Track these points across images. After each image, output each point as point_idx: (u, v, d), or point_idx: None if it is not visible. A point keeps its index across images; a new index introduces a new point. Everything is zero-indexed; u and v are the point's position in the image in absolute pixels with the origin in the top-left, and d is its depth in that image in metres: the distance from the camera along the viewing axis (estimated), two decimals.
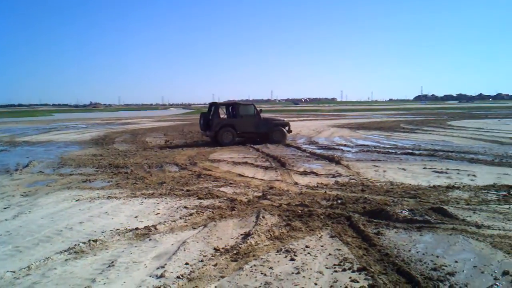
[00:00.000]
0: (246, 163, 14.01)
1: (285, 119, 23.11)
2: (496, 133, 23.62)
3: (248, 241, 6.10)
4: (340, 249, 5.83)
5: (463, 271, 5.04)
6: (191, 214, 7.72)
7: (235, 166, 13.44)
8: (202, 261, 5.50)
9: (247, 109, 21.65)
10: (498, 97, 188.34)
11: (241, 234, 6.54)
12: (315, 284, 4.75)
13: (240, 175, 11.80)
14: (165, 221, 7.32)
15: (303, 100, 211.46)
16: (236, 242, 6.19)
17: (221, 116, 21.90)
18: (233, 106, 22.13)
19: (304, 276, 4.96)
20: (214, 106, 21.87)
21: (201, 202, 8.68)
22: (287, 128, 21.76)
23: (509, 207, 7.84)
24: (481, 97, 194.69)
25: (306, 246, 5.96)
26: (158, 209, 8.30)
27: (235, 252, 5.74)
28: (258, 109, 21.90)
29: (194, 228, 6.94)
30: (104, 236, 6.63)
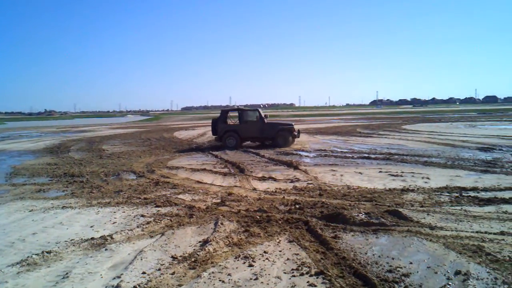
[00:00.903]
0: (204, 169, 13.95)
1: (292, 123, 23.08)
2: (448, 136, 24.29)
3: (206, 248, 6.06)
4: (298, 254, 5.86)
5: (417, 272, 5.15)
6: (148, 223, 7.63)
7: (193, 173, 13.36)
8: (159, 269, 5.43)
9: (251, 114, 22.19)
10: (450, 101, 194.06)
11: (200, 242, 6.50)
12: None
13: (198, 182, 11.74)
14: (121, 230, 7.20)
15: (261, 106, 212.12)
16: (194, 249, 6.15)
17: (232, 121, 22.81)
18: (238, 112, 22.64)
19: (262, 282, 4.97)
20: (222, 112, 22.71)
21: (159, 210, 8.59)
22: (295, 132, 21.86)
23: (461, 208, 8.08)
24: (434, 101, 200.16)
25: (265, 252, 5.98)
26: (115, 218, 8.17)
27: (193, 259, 5.70)
28: (264, 114, 22.53)
29: (152, 237, 6.86)
30: (59, 247, 6.47)
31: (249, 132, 21.89)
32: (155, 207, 8.90)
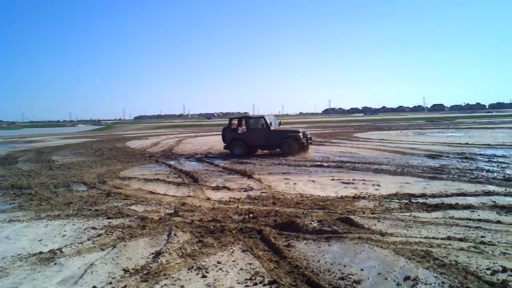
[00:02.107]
0: (158, 179, 13.80)
1: (302, 129, 22.55)
2: (398, 143, 24.90)
3: (159, 260, 5.99)
4: (251, 263, 5.87)
5: (368, 278, 5.24)
6: (99, 235, 7.47)
7: (146, 183, 13.19)
8: (110, 283, 5.32)
9: (256, 122, 21.88)
10: (400, 109, 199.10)
11: (152, 253, 6.42)
12: None
13: (151, 192, 11.60)
14: (71, 244, 7.03)
15: (216, 115, 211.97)
16: (146, 261, 6.06)
17: (241, 129, 22.56)
18: (245, 120, 22.49)
19: None
20: (229, 120, 23.07)
21: (110, 222, 8.43)
22: (302, 140, 21.08)
23: (410, 215, 8.29)
24: (384, 109, 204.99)
25: (218, 262, 5.95)
26: (65, 231, 7.95)
27: (145, 272, 5.62)
28: (277, 121, 22.83)
29: (103, 249, 6.71)
30: (5, 263, 6.26)
31: (255, 140, 21.64)
32: (106, 219, 8.73)
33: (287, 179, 13.21)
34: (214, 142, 32.28)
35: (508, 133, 32.67)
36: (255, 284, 5.16)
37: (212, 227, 7.62)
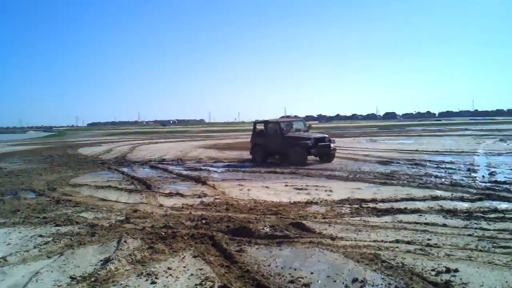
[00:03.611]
0: (109, 186, 13.56)
1: (322, 134, 20.54)
2: (351, 150, 25.33)
3: (108, 267, 5.88)
4: (202, 269, 5.84)
5: (318, 281, 5.30)
6: (46, 243, 7.27)
7: (97, 190, 12.94)
8: None
9: (273, 126, 20.74)
10: (353, 117, 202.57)
11: (101, 260, 6.29)
12: None
13: (102, 199, 11.39)
14: (16, 252, 6.81)
15: (171, 122, 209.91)
16: (94, 269, 5.94)
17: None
18: (264, 124, 21.39)
19: None
20: (253, 124, 22.33)
21: (58, 230, 8.22)
22: (313, 149, 18.95)
23: (361, 219, 8.44)
24: (338, 117, 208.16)
25: (169, 268, 5.89)
26: (10, 239, 7.70)
27: (93, 279, 5.50)
28: (307, 125, 21.81)
29: (49, 257, 6.53)
30: None
31: (272, 147, 20.36)
32: (54, 226, 8.50)
33: (241, 185, 13.23)
34: (169, 148, 32.05)
35: (456, 140, 33.74)
36: None
37: (163, 233, 7.55)
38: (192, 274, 5.65)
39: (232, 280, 5.34)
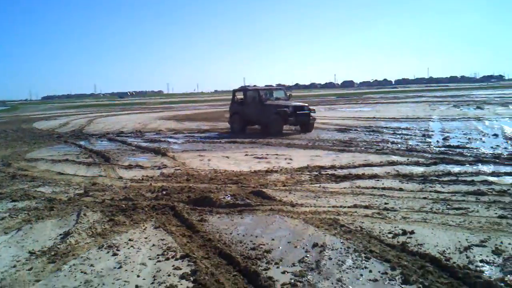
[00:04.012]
0: (67, 160, 13.26)
1: (301, 103, 19.72)
2: None
3: (68, 241, 5.81)
4: (164, 239, 5.84)
5: (279, 247, 5.39)
6: (3, 219, 7.09)
7: (54, 164, 12.65)
8: (14, 266, 5.09)
9: (252, 94, 20.01)
10: (312, 86, 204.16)
11: (60, 234, 6.21)
12: (138, 276, 4.70)
13: (60, 173, 11.14)
14: None
15: (129, 94, 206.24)
16: (54, 243, 5.85)
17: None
18: (243, 92, 20.80)
19: (126, 270, 4.88)
20: (233, 92, 21.74)
21: (15, 205, 8.02)
22: (290, 117, 18.20)
23: (320, 186, 8.58)
24: (297, 86, 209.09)
25: (130, 240, 5.87)
26: None
27: (52, 253, 5.43)
28: (288, 94, 20.97)
29: (6, 233, 6.38)
30: None
31: (250, 115, 19.72)
32: (11, 202, 8.28)
33: (202, 155, 13.20)
34: (127, 121, 31.59)
35: (412, 106, 34.50)
36: (167, 259, 5.14)
37: (124, 206, 7.48)
38: (154, 245, 5.64)
39: (194, 249, 5.36)
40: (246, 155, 13.02)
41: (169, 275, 4.68)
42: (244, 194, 7.97)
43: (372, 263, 4.72)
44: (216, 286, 4.32)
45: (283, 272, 4.58)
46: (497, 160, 10.45)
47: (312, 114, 18.95)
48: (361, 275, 4.44)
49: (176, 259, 5.11)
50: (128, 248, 5.56)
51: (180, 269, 4.82)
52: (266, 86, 21.71)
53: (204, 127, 23.46)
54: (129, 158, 13.34)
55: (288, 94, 21.14)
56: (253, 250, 5.30)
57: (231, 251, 5.24)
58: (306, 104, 19.46)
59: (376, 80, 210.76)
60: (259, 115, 19.24)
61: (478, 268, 4.44)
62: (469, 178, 8.65)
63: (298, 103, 19.44)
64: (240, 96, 21.21)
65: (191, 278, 4.54)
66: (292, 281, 4.35)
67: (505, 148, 12.41)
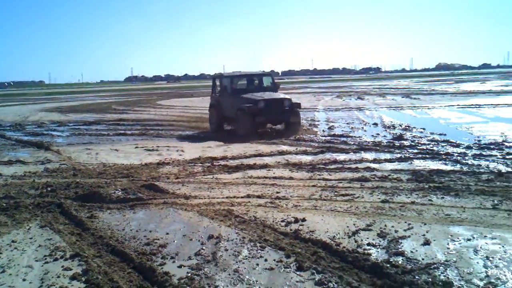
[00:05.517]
0: None
1: (281, 96, 15.42)
2: (201, 110, 25.46)
3: None
4: (51, 239, 5.52)
5: (174, 241, 5.31)
6: None
7: None
8: None
9: (225, 82, 16.31)
10: (202, 76, 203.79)
11: None
12: (24, 280, 4.39)
13: None
14: None
15: (6, 84, 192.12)
16: None
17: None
18: (219, 80, 17.08)
19: (10, 274, 4.54)
20: (212, 79, 18.30)
21: None
22: (261, 115, 14.20)
23: (213, 177, 8.60)
24: (186, 77, 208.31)
25: (13, 241, 5.47)
26: None
27: None
28: (276, 84, 16.72)
29: None
30: None
31: (225, 109, 15.76)
32: None
33: (89, 149, 12.68)
34: (5, 114, 29.53)
35: (298, 97, 35.53)
36: (56, 259, 4.86)
37: (4, 205, 6.96)
38: (40, 246, 5.31)
39: (85, 248, 5.13)
40: (136, 147, 12.71)
41: (58, 277, 4.44)
42: (136, 188, 7.77)
43: (267, 252, 4.81)
44: (110, 285, 4.16)
45: (180, 266, 4.53)
46: (378, 148, 11.11)
47: (297, 110, 15.03)
48: (257, 264, 4.51)
49: (66, 259, 4.85)
50: (11, 251, 5.18)
51: (71, 269, 4.58)
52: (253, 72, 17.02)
53: (91, 119, 22.53)
54: (8, 153, 12.46)
55: (276, 84, 16.87)
56: (148, 246, 5.17)
57: (124, 248, 5.08)
58: (288, 97, 15.22)
59: (273, 70, 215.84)
60: (230, 110, 15.35)
61: (366, 251, 4.67)
62: (353, 166, 9.11)
63: (275, 96, 15.15)
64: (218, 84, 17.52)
65: (83, 278, 4.33)
66: (189, 274, 4.31)
67: (384, 136, 13.23)
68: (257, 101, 14.15)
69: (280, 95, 15.56)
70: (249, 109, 14.00)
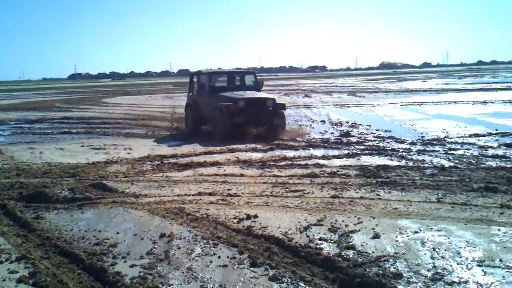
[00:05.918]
0: None
1: (263, 95, 14.16)
2: (147, 107, 25.26)
3: None
4: None
5: (124, 241, 5.21)
6: None
7: None
8: None
9: (203, 80, 14.83)
10: (148, 74, 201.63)
11: None
12: None
13: None
14: None
15: None
16: None
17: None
18: (197, 77, 15.33)
19: None
20: (190, 76, 16.42)
21: None
22: (239, 116, 12.73)
23: (163, 175, 8.52)
24: (132, 74, 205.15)
25: None
26: None
27: None
28: (260, 82, 15.37)
29: None
30: None
31: (202, 109, 14.37)
32: None
33: (32, 148, 12.27)
34: None
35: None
36: (1, 262, 4.68)
37: None
38: None
39: (31, 250, 4.95)
40: (82, 146, 12.41)
41: (4, 280, 4.27)
42: (83, 187, 7.59)
43: (221, 249, 4.80)
44: (59, 287, 4.04)
45: (132, 266, 4.44)
46: (326, 145, 11.31)
47: (281, 111, 13.71)
48: (211, 261, 4.49)
49: (11, 262, 4.67)
50: None
51: (17, 272, 4.41)
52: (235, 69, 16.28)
53: (33, 118, 21.80)
54: None
55: (260, 82, 15.63)
56: (98, 246, 5.05)
57: (73, 248, 4.94)
58: (272, 97, 14.11)
59: (220, 68, 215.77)
60: (208, 110, 14.02)
61: (317, 246, 4.73)
62: (303, 162, 9.25)
63: (257, 95, 13.97)
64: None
65: (31, 281, 4.18)
66: (142, 274, 4.23)
67: (332, 133, 13.49)
68: (237, 100, 12.96)
69: (263, 94, 14.37)
70: (228, 108, 12.68)
